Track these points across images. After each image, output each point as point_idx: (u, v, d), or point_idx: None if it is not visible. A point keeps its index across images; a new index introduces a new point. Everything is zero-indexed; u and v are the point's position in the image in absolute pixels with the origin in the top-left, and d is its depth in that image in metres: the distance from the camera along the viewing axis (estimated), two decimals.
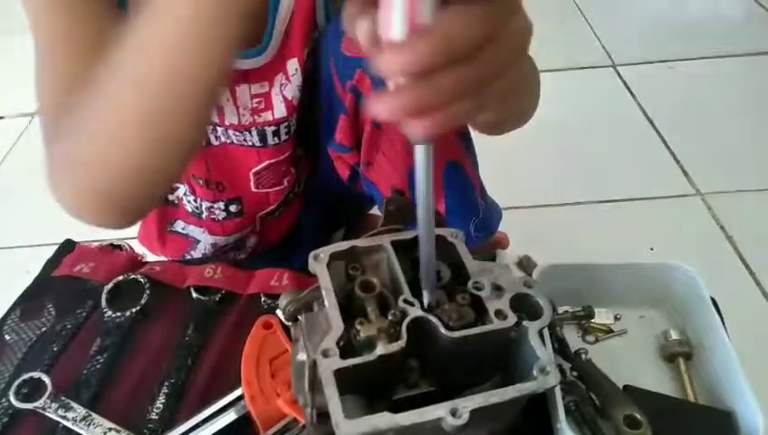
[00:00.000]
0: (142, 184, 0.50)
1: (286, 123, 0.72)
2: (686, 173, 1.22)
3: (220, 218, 0.81)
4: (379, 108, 0.28)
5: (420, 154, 0.33)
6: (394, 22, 0.27)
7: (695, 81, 1.51)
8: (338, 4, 0.67)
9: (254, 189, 0.79)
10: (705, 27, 1.74)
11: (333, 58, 0.65)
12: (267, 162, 0.76)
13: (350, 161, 0.70)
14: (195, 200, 0.80)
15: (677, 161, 1.25)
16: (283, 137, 0.73)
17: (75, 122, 0.47)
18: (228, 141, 0.73)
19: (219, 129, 0.71)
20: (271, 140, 0.73)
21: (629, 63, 1.57)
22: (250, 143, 0.73)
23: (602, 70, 1.56)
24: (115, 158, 0.47)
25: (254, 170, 0.76)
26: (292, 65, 0.67)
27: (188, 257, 0.87)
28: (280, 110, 0.70)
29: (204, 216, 0.81)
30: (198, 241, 0.84)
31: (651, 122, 1.36)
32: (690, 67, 1.56)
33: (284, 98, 0.69)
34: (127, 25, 0.42)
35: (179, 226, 0.84)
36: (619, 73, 1.54)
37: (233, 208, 0.81)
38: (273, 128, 0.72)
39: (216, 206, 0.80)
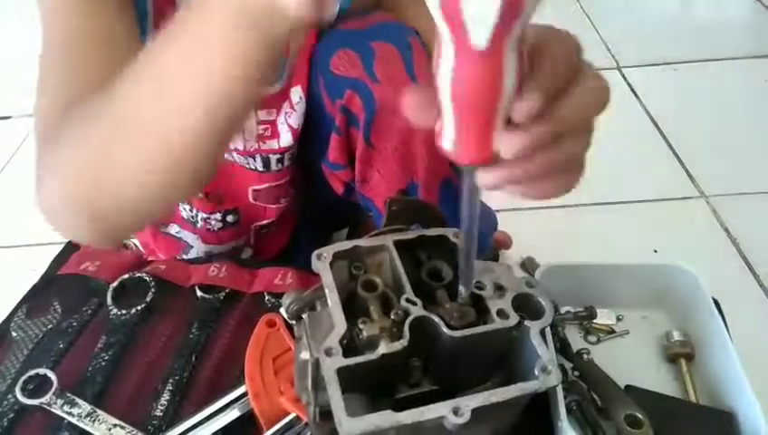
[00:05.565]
0: (145, 211, 0.48)
1: (290, 151, 0.72)
2: (690, 175, 1.22)
3: (216, 229, 0.81)
4: (487, 180, 0.31)
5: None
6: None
7: (699, 83, 1.51)
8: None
9: (251, 201, 0.78)
10: (709, 29, 1.74)
11: (322, 76, 0.64)
12: (268, 184, 0.75)
13: (344, 178, 0.69)
14: (191, 210, 0.79)
15: (682, 163, 1.25)
16: (287, 163, 0.73)
17: (86, 131, 0.44)
18: (231, 160, 0.73)
19: None
20: (274, 167, 0.73)
21: (634, 65, 1.56)
22: (252, 167, 0.73)
23: (607, 72, 1.56)
24: (127, 180, 0.44)
25: (253, 187, 0.76)
26: (296, 93, 0.67)
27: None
28: (286, 139, 0.69)
29: (199, 225, 0.80)
30: (192, 247, 0.84)
31: (656, 124, 1.36)
32: (695, 69, 1.55)
33: (290, 127, 0.69)
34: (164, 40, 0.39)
35: (174, 229, 0.83)
36: (623, 75, 1.53)
37: (230, 218, 0.80)
38: (277, 156, 0.71)
39: (213, 217, 0.79)
